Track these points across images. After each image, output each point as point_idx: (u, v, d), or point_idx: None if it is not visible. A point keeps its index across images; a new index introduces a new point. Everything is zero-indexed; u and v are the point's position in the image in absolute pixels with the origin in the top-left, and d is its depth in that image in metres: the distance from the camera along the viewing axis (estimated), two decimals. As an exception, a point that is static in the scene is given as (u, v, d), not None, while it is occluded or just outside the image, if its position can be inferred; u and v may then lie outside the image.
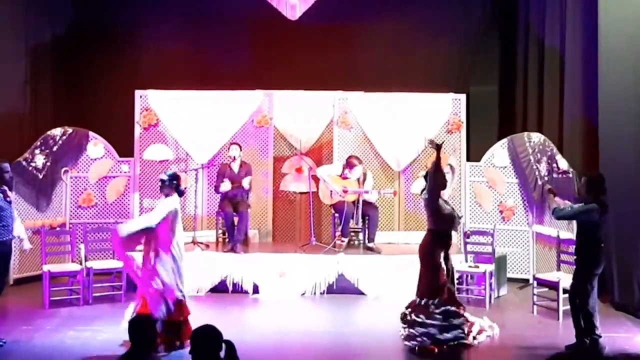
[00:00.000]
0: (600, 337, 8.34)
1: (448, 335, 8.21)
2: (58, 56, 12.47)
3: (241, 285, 10.66)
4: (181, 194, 8.45)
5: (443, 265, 8.34)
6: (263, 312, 10.03)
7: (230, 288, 10.65)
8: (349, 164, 11.16)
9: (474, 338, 8.51)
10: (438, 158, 8.26)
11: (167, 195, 8.31)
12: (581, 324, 8.34)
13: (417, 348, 8.19)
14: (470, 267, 10.37)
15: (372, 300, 10.30)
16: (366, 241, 11.22)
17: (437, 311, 8.21)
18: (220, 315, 9.42)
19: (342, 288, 10.64)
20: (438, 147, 8.26)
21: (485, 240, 10.53)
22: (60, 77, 12.51)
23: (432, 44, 12.66)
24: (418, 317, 8.24)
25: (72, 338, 8.62)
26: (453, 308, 8.29)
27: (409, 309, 8.39)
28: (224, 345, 5.35)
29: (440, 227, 8.38)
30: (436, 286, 8.28)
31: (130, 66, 12.57)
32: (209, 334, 5.36)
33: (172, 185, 8.32)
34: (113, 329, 8.81)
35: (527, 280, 11.05)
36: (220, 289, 10.65)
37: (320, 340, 8.76)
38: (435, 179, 8.30)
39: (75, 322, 9.27)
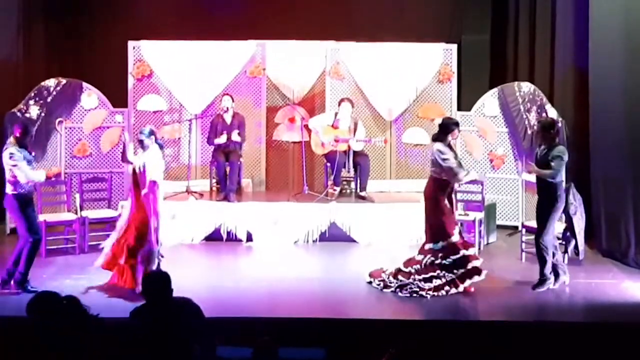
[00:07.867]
0: (547, 279, 8.71)
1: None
2: (51, 5, 12.41)
3: (235, 234, 10.82)
4: (161, 147, 8.94)
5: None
6: (256, 260, 10.20)
7: (225, 236, 10.80)
8: (339, 104, 11.28)
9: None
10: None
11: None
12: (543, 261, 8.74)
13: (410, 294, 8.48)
14: (460, 215, 10.51)
15: (364, 248, 10.45)
16: (358, 190, 11.34)
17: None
18: (214, 263, 9.57)
19: (334, 236, 10.80)
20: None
21: (476, 189, 10.66)
22: (54, 27, 12.44)
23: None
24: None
25: (69, 286, 8.73)
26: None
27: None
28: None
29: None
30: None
31: (123, 16, 12.49)
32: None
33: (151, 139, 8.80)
34: (108, 277, 8.98)
35: (516, 228, 11.21)
36: (214, 237, 10.79)
37: (312, 287, 8.94)
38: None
39: (72, 270, 9.44)
